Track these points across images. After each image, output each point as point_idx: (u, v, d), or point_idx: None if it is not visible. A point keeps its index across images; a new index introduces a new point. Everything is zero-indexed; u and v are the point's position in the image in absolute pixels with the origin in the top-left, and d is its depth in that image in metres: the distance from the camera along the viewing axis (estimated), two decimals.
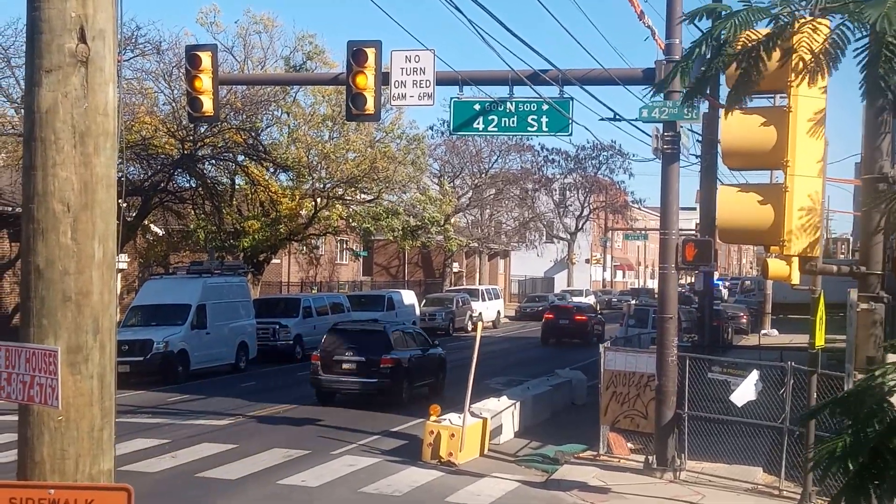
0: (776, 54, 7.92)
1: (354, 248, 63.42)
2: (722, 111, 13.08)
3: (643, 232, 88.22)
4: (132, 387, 27.23)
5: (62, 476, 5.39)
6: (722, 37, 7.82)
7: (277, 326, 37.02)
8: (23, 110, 9.27)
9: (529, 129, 19.50)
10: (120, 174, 6.06)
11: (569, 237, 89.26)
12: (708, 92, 8.92)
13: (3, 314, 35.33)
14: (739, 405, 16.59)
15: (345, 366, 25.35)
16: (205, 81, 19.12)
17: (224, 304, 33.26)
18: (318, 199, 44.87)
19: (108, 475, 5.58)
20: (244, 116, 40.01)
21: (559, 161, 79.35)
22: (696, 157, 27.65)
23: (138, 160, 37.94)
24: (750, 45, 7.88)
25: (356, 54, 18.34)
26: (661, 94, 18.20)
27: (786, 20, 7.65)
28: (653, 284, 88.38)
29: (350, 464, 18.10)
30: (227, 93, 35.76)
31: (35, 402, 5.40)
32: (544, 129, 19.31)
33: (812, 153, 14.48)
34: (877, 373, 6.32)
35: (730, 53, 7.96)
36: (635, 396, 18.83)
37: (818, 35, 7.66)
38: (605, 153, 79.31)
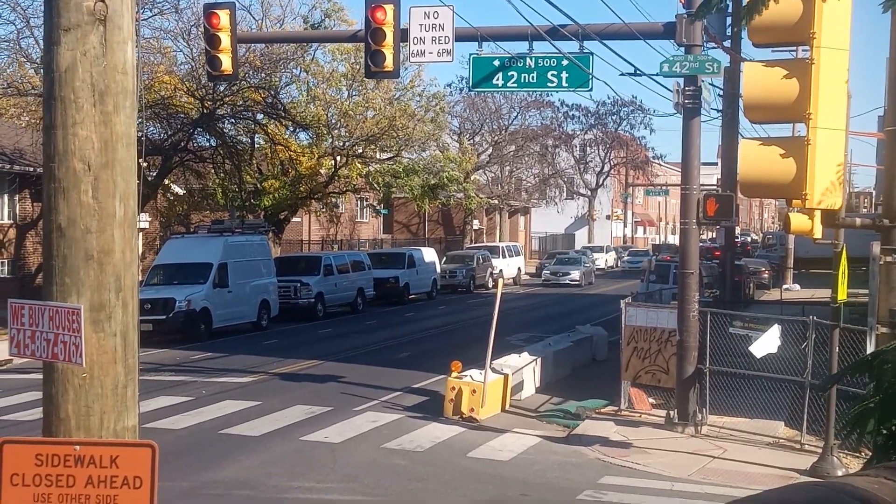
0: None
1: (375, 205, 63.39)
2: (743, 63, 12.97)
3: (664, 187, 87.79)
4: (155, 345, 27.45)
5: (87, 432, 5.43)
6: None
7: (299, 284, 37.13)
8: (42, 70, 9.27)
9: (549, 84, 19.38)
10: (140, 133, 6.05)
11: (589, 193, 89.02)
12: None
13: (26, 273, 35.58)
14: (759, 356, 16.56)
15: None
16: (223, 40, 19.11)
17: (245, 262, 33.37)
18: (338, 158, 44.79)
19: (133, 431, 5.62)
20: (263, 75, 39.92)
21: (579, 117, 79.12)
22: (718, 111, 27.39)
23: (158, 120, 37.97)
24: None
25: (374, 11, 18.26)
26: (683, 48, 18.06)
27: None
28: (674, 240, 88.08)
29: (372, 420, 18.21)
30: (246, 51, 35.63)
31: (59, 360, 5.44)
32: (564, 84, 19.18)
33: (835, 106, 14.33)
34: None
35: None
36: (656, 352, 18.84)
37: None
38: (626, 108, 79.07)
